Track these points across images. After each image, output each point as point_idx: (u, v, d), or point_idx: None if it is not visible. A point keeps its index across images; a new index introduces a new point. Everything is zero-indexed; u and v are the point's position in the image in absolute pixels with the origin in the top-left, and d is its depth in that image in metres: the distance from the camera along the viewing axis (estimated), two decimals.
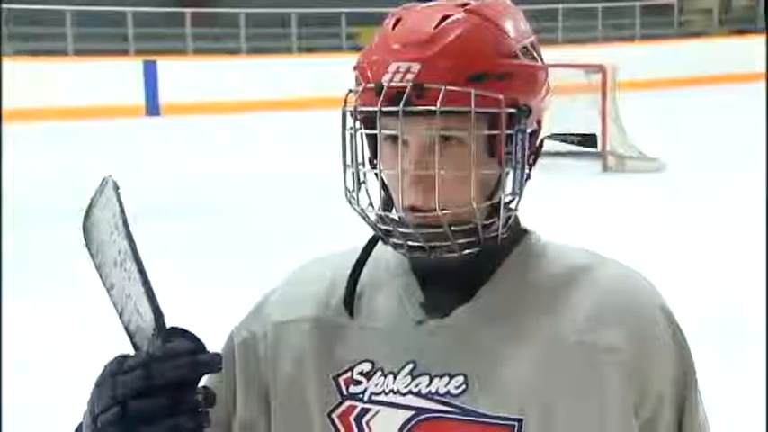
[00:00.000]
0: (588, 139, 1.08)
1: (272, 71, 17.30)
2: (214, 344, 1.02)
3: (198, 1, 19.67)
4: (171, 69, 17.22)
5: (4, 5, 16.12)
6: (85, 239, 0.91)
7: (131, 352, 0.83)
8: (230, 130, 14.12)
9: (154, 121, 16.39)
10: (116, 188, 0.88)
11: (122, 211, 0.87)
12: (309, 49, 19.42)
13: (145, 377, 0.78)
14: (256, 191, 9.30)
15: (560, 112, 9.74)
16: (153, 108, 17.07)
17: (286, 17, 19.54)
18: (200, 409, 0.80)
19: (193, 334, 0.83)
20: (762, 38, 21.14)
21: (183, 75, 17.07)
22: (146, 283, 0.83)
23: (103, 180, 0.91)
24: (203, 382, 0.82)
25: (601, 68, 10.66)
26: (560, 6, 21.57)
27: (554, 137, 1.06)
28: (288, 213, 7.94)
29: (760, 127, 11.71)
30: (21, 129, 13.21)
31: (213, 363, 0.81)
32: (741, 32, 22.98)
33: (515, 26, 1.01)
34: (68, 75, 16.22)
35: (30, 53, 16.90)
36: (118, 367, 0.81)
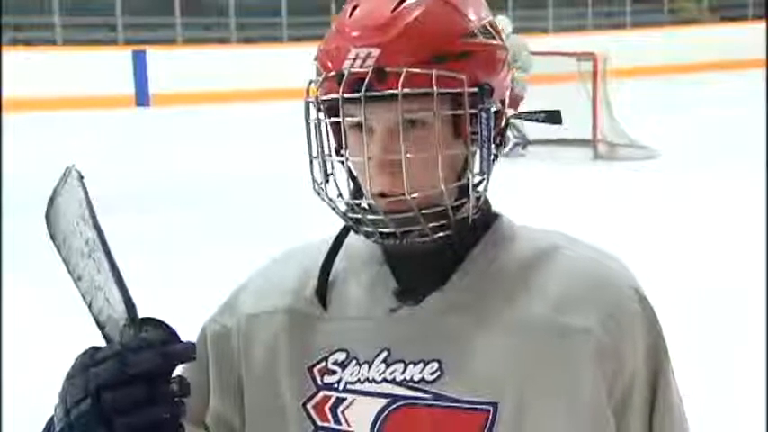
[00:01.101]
0: (552, 117, 1.08)
1: (263, 60, 17.24)
2: (190, 334, 1.01)
3: None
4: (161, 59, 17.15)
5: None
6: (50, 230, 0.90)
7: (103, 344, 0.82)
8: (221, 120, 14.08)
9: (144, 111, 16.34)
10: (80, 178, 0.87)
11: (89, 201, 0.86)
12: (300, 39, 19.36)
13: (119, 368, 0.78)
14: (248, 181, 9.27)
15: (551, 101, 9.82)
16: (143, 98, 17.00)
17: (276, 6, 19.47)
18: (175, 399, 0.79)
19: (166, 324, 0.82)
20: (753, 24, 21.20)
21: (172, 64, 16.99)
22: (116, 273, 0.82)
23: (66, 169, 0.90)
24: (178, 373, 0.81)
25: (592, 56, 10.66)
26: None
27: (518, 115, 1.07)
28: (280, 204, 7.92)
29: (753, 113, 11.75)
30: (9, 119, 13.13)
31: (187, 352, 0.80)
32: (732, 19, 23.00)
33: (473, 6, 1.01)
34: (57, 65, 16.13)
35: (18, 43, 16.81)
36: (90, 358, 0.80)
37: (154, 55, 17.25)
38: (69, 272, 0.87)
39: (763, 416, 3.61)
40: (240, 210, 8.04)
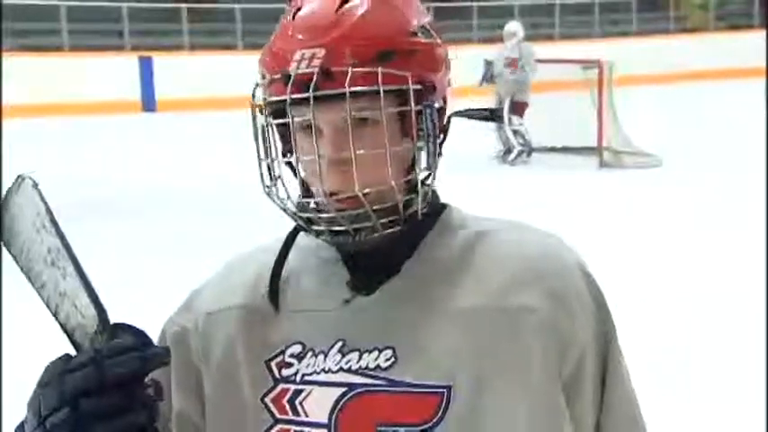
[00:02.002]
0: (493, 114, 1.11)
1: None
2: None
3: None
4: (167, 65, 17.20)
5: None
6: (4, 240, 0.89)
7: (72, 351, 0.82)
8: (227, 126, 14.10)
9: (150, 116, 16.37)
10: (35, 186, 0.87)
11: (48, 208, 0.86)
12: None
13: (96, 374, 0.77)
14: (253, 186, 9.28)
15: (557, 108, 9.82)
16: (149, 104, 17.05)
17: (283, 12, 19.49)
18: (151, 403, 0.79)
19: (138, 329, 0.82)
20: (758, 33, 21.18)
21: (179, 70, 17.04)
22: (84, 279, 0.83)
23: (19, 177, 0.89)
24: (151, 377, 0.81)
25: (597, 64, 10.66)
26: (557, 2, 21.57)
27: (457, 114, 1.08)
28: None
29: (757, 122, 11.73)
30: (15, 124, 13.17)
31: (162, 356, 0.81)
32: (737, 27, 22.99)
33: (412, 6, 1.03)
34: (64, 71, 16.19)
35: (25, 49, 16.86)
36: (64, 366, 0.79)
37: (160, 61, 17.31)
38: (30, 280, 0.86)
39: (764, 416, 3.61)
40: (245, 214, 8.04)
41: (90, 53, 17.06)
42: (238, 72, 19.74)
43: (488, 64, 10.69)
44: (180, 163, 10.82)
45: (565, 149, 10.44)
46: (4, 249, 0.89)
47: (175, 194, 9.06)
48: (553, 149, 10.49)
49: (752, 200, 7.68)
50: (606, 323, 1.05)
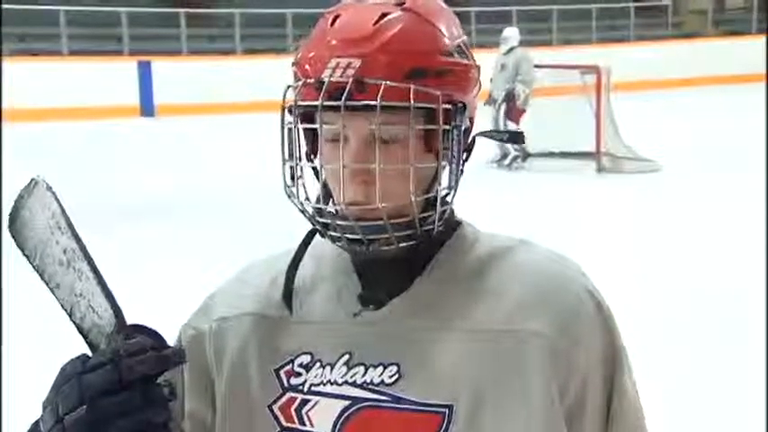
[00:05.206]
0: (516, 136, 1.12)
1: (268, 72, 17.26)
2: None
3: (193, 1, 19.64)
4: (166, 70, 17.19)
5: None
6: (17, 241, 0.90)
7: (89, 352, 0.83)
8: (226, 131, 14.11)
9: (149, 121, 16.37)
10: (49, 188, 0.88)
11: (63, 211, 0.87)
12: None
13: (114, 374, 0.79)
14: (253, 191, 9.29)
15: (555, 114, 9.83)
16: (147, 109, 17.05)
17: (281, 18, 19.52)
18: (166, 403, 0.81)
19: (153, 330, 0.83)
20: (756, 39, 21.22)
21: (177, 75, 17.04)
22: (100, 281, 0.84)
23: (32, 180, 0.90)
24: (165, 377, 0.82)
25: (595, 69, 10.68)
26: (555, 8, 21.60)
27: (481, 134, 1.09)
28: (283, 214, 7.94)
29: (755, 128, 11.75)
30: (14, 129, 13.17)
31: (178, 356, 0.82)
32: (735, 34, 23.03)
33: (450, 25, 1.04)
34: (62, 75, 16.18)
35: (24, 53, 16.86)
36: (82, 366, 0.81)
37: (159, 66, 17.30)
38: (45, 281, 0.87)
39: (764, 416, 3.63)
40: (245, 219, 8.05)
41: (89, 58, 17.05)
42: (237, 77, 19.64)
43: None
44: (178, 168, 10.82)
45: (563, 155, 10.46)
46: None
47: (174, 199, 9.06)
48: (551, 155, 10.50)
49: (750, 206, 7.70)
50: (615, 354, 1.04)
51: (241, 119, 15.25)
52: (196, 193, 9.30)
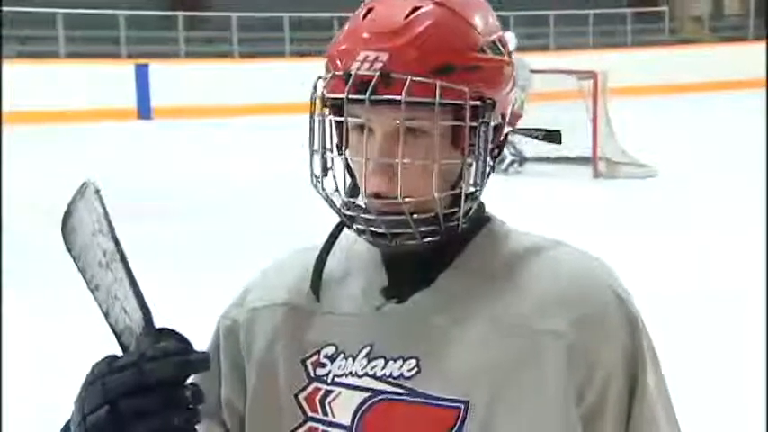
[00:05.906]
0: (551, 136, 1.10)
1: (265, 75, 17.28)
2: (202, 342, 1.03)
3: (190, 4, 19.65)
4: (163, 73, 17.20)
5: None
6: (66, 242, 0.92)
7: (119, 353, 0.84)
8: (222, 134, 14.11)
9: (146, 124, 16.37)
10: (97, 191, 0.90)
11: (106, 213, 0.89)
12: (302, 54, 19.44)
13: (136, 376, 0.80)
14: (249, 194, 9.30)
15: (552, 119, 9.84)
16: (145, 111, 17.05)
17: (278, 21, 19.54)
18: (189, 407, 0.81)
19: (181, 334, 0.84)
20: (752, 45, 21.27)
21: (175, 78, 17.04)
22: (133, 283, 0.85)
23: (84, 184, 0.92)
24: (195, 376, 0.83)
25: (592, 75, 10.70)
26: (552, 13, 21.63)
27: (517, 131, 1.08)
28: (280, 215, 7.94)
29: (752, 134, 11.78)
30: (12, 131, 13.16)
31: (202, 362, 0.83)
32: (732, 40, 23.08)
33: (484, 20, 1.03)
34: (60, 78, 16.18)
35: (22, 55, 16.86)
36: (108, 367, 0.82)
37: (156, 68, 17.31)
38: (86, 282, 0.89)
39: (764, 416, 3.63)
40: (241, 222, 8.06)
41: (86, 60, 17.05)
42: (234, 80, 19.65)
43: None
44: (175, 170, 10.82)
45: (559, 159, 10.47)
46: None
47: (170, 202, 9.06)
48: (548, 159, 10.52)
49: (747, 212, 7.71)
50: (639, 354, 1.02)
51: (238, 122, 15.27)
52: (193, 196, 9.30)
